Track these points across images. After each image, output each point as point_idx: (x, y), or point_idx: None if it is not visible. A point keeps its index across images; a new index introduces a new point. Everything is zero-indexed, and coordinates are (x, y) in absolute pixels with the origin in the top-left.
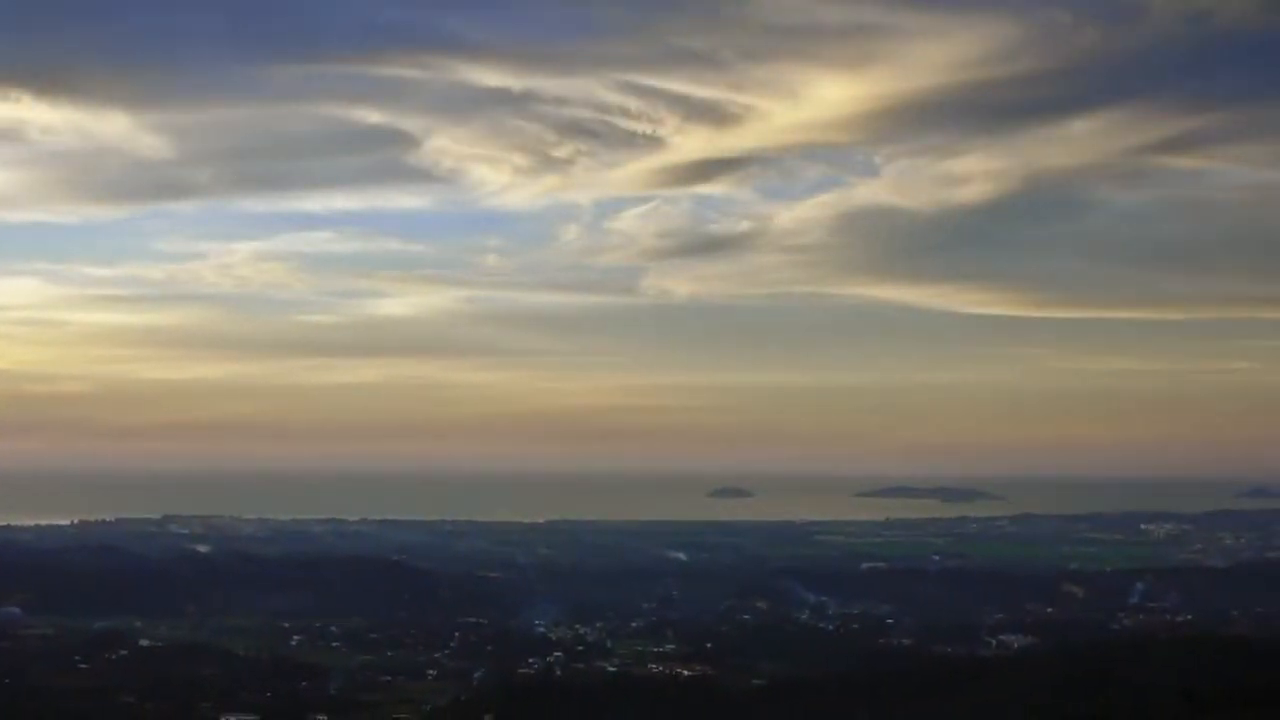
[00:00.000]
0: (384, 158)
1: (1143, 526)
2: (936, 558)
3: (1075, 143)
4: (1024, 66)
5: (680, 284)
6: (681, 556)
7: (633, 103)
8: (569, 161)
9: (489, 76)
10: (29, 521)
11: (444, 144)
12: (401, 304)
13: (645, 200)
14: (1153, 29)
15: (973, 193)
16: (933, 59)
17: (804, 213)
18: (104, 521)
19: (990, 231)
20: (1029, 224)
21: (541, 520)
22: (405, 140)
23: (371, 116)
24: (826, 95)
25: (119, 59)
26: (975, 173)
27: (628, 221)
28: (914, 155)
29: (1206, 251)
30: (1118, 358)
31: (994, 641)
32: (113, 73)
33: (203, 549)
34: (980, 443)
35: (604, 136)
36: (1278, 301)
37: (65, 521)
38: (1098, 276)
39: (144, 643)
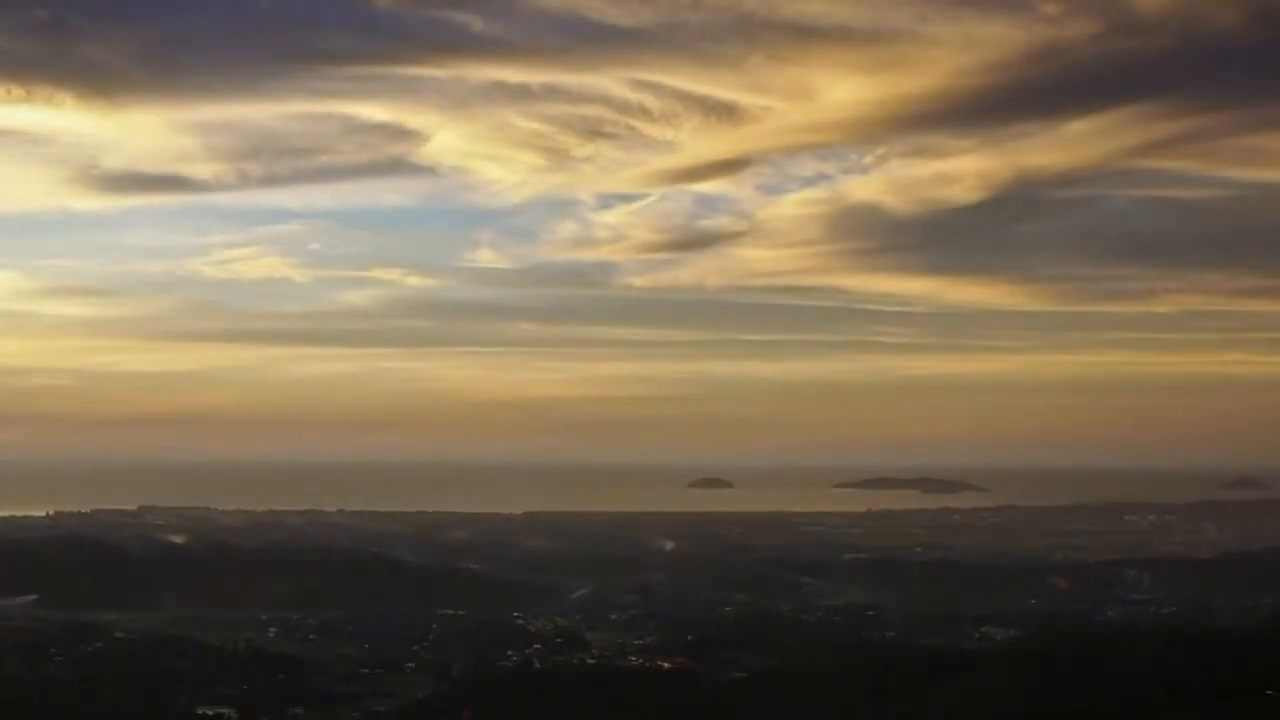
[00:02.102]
0: (387, 154)
1: (1126, 518)
2: (919, 549)
3: (1066, 145)
4: (1019, 71)
5: (665, 278)
6: (662, 548)
7: (647, 101)
8: (575, 159)
9: (500, 73)
10: (4, 513)
11: (450, 140)
12: (382, 295)
13: (642, 197)
14: (1143, 37)
15: (964, 191)
16: (936, 62)
17: (794, 209)
18: (80, 513)
19: (978, 228)
20: (1017, 221)
21: (521, 512)
22: (412, 136)
23: (379, 114)
24: (834, 96)
25: (137, 60)
26: (968, 172)
27: (620, 216)
28: (909, 155)
29: (1194, 247)
30: (1102, 350)
31: (978, 633)
32: (130, 72)
33: (179, 540)
34: (963, 434)
35: (612, 134)
36: (1262, 294)
37: (41, 513)
38: (1084, 272)
39: (120, 635)
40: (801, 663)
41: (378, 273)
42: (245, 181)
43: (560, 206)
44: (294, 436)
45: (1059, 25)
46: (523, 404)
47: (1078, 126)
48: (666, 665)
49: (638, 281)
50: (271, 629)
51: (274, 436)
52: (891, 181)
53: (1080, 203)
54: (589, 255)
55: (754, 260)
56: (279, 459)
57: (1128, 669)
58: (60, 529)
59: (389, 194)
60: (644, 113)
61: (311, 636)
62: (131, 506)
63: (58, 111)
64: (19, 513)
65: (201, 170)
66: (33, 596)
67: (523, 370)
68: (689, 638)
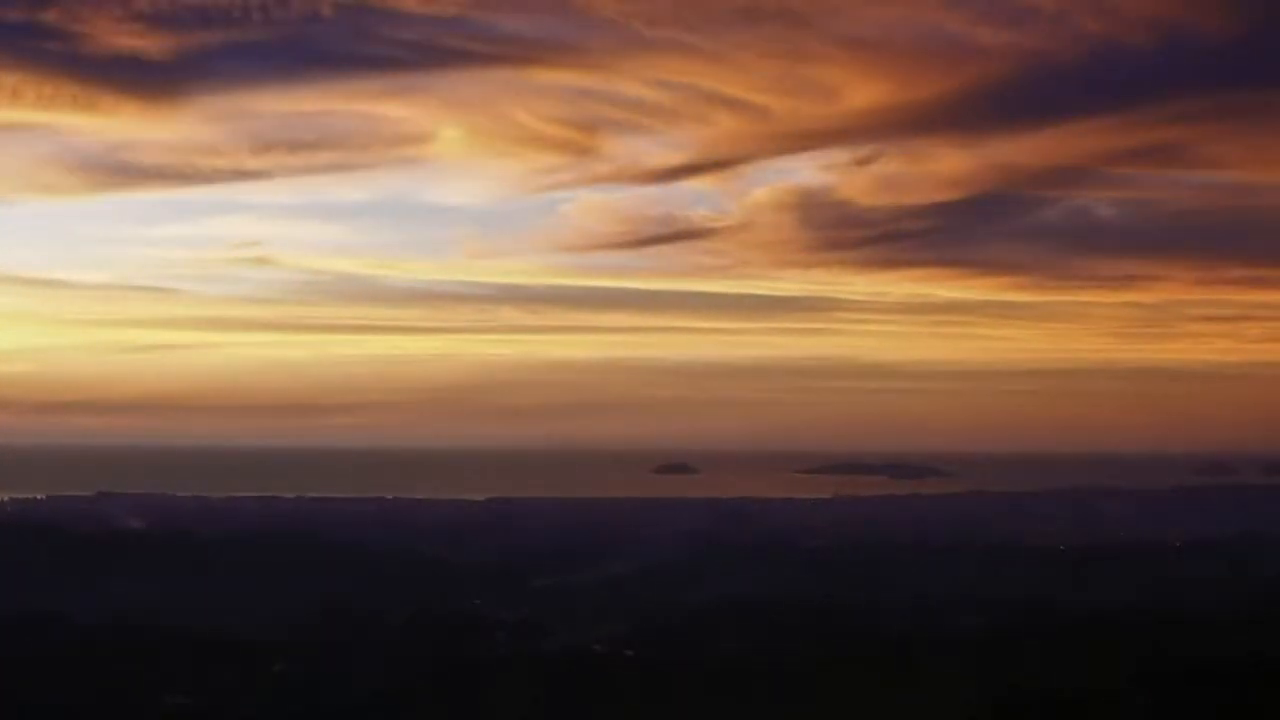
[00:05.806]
0: (386, 150)
1: (1097, 503)
2: (887, 535)
3: (1048, 148)
4: (1005, 77)
5: (644, 270)
6: (627, 534)
7: (647, 99)
8: (576, 156)
9: (507, 71)
10: None
11: (454, 136)
12: (359, 288)
13: (633, 192)
14: (1127, 46)
15: (946, 190)
16: (929, 67)
17: (776, 205)
18: (35, 499)
19: (958, 225)
20: (998, 219)
21: (482, 498)
22: (416, 133)
23: (383, 110)
24: (825, 98)
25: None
26: (950, 172)
27: (611, 211)
28: (897, 155)
29: (1177, 242)
30: (1076, 336)
31: (946, 621)
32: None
33: (138, 526)
34: (932, 419)
35: (613, 131)
36: (1247, 284)
37: None
38: (1063, 264)
39: (80, 622)
40: (767, 650)
41: (358, 265)
42: (236, 175)
43: (556, 202)
44: (253, 421)
45: (1048, 34)
46: (483, 388)
47: (1061, 131)
48: (630, 654)
49: (614, 272)
50: (233, 616)
51: (232, 422)
52: (875, 179)
53: (1061, 202)
54: (573, 248)
55: (731, 253)
56: (236, 445)
57: (1098, 655)
58: (16, 515)
59: (381, 189)
60: (644, 110)
61: (273, 624)
62: (88, 492)
63: (48, 107)
64: None
65: (188, 163)
66: None
67: (488, 355)
68: (654, 625)
